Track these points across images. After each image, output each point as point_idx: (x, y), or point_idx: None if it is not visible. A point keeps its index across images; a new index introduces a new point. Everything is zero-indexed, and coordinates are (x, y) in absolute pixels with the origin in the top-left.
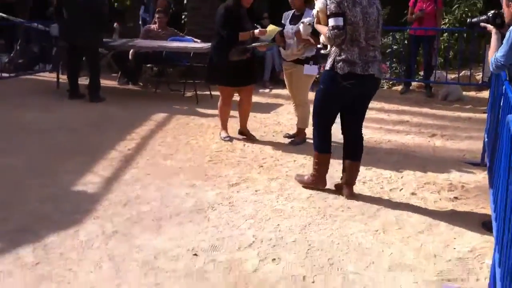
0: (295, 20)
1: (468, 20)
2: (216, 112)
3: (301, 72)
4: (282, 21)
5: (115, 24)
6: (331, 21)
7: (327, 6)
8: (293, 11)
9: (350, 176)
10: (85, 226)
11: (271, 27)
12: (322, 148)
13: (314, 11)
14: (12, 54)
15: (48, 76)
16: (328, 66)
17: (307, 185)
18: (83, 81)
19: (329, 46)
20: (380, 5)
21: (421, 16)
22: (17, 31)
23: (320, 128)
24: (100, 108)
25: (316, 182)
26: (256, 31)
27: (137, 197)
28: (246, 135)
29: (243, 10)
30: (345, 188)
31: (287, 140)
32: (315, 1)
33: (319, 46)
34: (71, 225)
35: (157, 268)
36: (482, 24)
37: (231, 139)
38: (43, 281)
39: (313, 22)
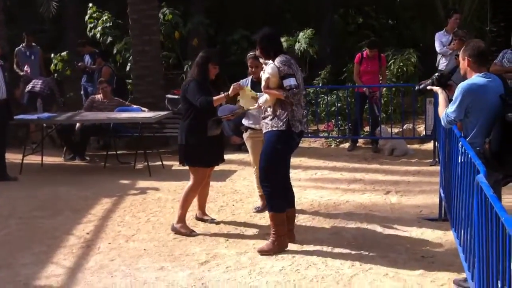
0: (255, 87)
1: (416, 87)
2: (172, 184)
3: None
4: None
5: (38, 102)
6: (288, 81)
7: (280, 69)
8: (250, 77)
9: (292, 222)
10: None
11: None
12: (281, 207)
13: (264, 76)
14: None
15: None
16: (282, 126)
17: (271, 252)
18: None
19: (269, 109)
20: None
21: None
22: None
23: (279, 186)
24: (48, 188)
25: (279, 245)
26: (231, 91)
27: None
28: (206, 221)
29: (207, 82)
30: (291, 235)
31: (248, 210)
32: (265, 67)
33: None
34: None
35: None
36: (429, 87)
37: (196, 233)
38: None
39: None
